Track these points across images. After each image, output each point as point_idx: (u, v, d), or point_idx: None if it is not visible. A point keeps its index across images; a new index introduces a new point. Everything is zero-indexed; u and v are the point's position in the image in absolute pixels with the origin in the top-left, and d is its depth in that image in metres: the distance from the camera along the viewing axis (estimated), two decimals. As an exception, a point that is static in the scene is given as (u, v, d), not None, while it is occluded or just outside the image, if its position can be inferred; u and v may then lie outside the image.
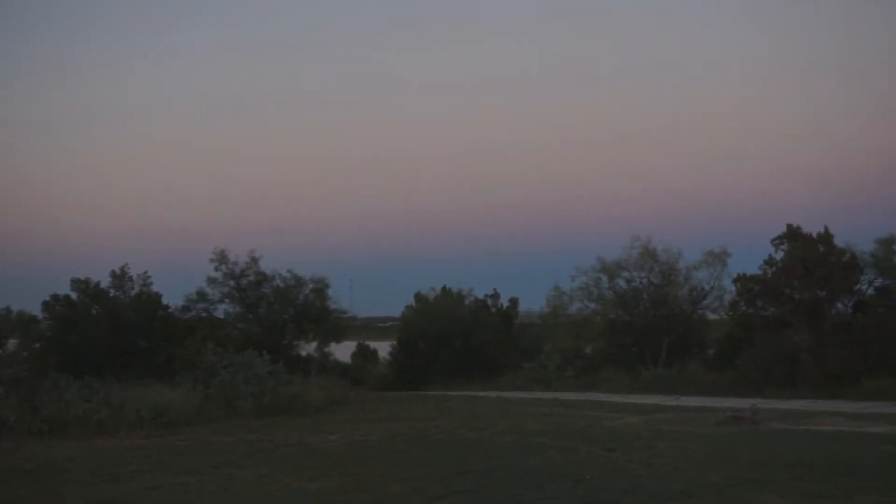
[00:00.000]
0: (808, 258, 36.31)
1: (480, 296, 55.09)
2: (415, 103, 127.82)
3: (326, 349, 52.36)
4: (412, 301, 56.01)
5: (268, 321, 48.47)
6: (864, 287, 37.62)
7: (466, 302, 54.66)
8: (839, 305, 37.43)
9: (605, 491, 13.53)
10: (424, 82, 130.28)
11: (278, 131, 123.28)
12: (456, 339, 50.52)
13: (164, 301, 46.73)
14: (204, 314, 47.88)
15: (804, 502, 12.40)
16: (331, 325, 49.92)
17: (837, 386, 33.26)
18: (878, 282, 37.55)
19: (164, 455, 20.54)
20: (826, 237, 37.14)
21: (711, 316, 47.31)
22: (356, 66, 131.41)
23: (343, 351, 57.42)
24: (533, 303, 55.09)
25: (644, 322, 45.28)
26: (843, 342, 34.36)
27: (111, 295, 45.67)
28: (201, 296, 47.67)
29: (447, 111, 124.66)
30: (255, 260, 48.02)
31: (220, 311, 48.82)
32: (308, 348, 51.18)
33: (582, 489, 13.86)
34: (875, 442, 19.10)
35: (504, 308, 54.93)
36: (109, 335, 43.34)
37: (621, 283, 46.63)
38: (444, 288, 54.78)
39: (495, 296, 55.05)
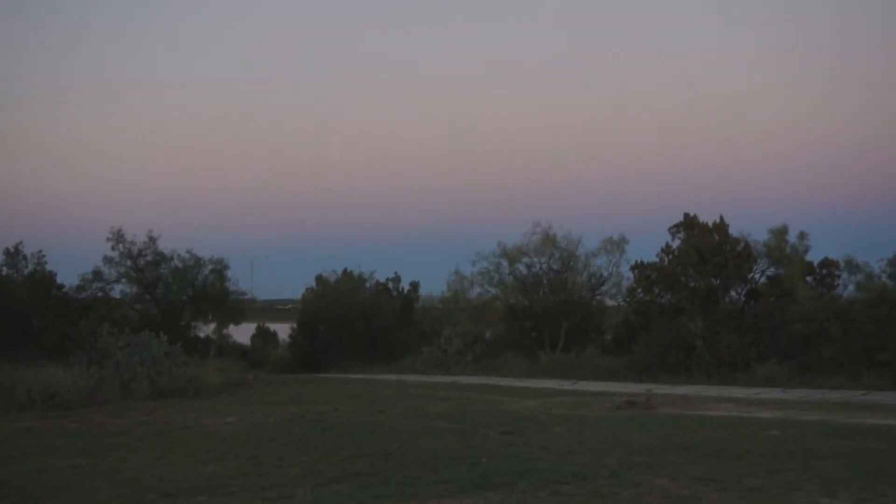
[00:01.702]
0: (704, 247, 37.02)
1: (382, 279, 55.19)
2: (322, 86, 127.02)
3: (225, 331, 51.82)
4: (313, 283, 55.78)
5: (165, 302, 47.79)
6: (758, 276, 38.49)
7: (367, 285, 54.62)
8: (733, 293, 38.22)
9: (500, 473, 13.64)
10: (326, 60, 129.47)
11: (180, 106, 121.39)
12: (356, 322, 50.43)
13: (59, 280, 45.77)
14: (100, 294, 46.93)
15: (694, 485, 12.66)
16: (230, 306, 49.43)
17: (730, 372, 34.05)
18: (771, 271, 38.42)
19: (55, 437, 20.14)
20: (721, 226, 37.89)
21: (609, 302, 48.01)
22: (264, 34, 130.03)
23: (242, 333, 56.89)
24: (434, 287, 55.39)
25: (543, 307, 45.72)
26: (735, 329, 35.14)
27: (3, 273, 44.50)
28: (97, 275, 46.75)
29: (353, 93, 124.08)
30: (153, 240, 47.29)
31: (117, 291, 47.97)
32: (206, 330, 50.63)
33: (478, 472, 13.95)
34: (763, 427, 19.59)
35: (405, 292, 55.04)
36: (1, 314, 42.26)
37: (521, 268, 47.08)
38: (345, 271, 54.71)
39: (396, 279, 55.16)
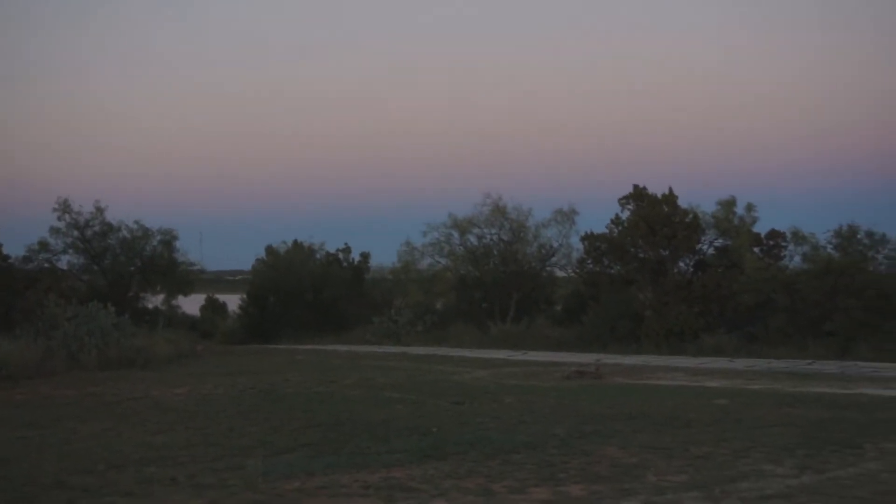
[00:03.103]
0: (653, 218, 37.26)
1: (332, 250, 55.07)
2: (272, 53, 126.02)
3: (174, 302, 51.63)
4: (263, 254, 55.56)
5: (113, 273, 47.41)
6: (706, 247, 38.81)
7: (318, 256, 54.50)
8: (681, 264, 38.53)
9: (451, 443, 13.70)
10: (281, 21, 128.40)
11: (127, 76, 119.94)
12: (307, 293, 50.34)
13: (4, 251, 45.15)
14: (46, 265, 46.48)
15: (643, 453, 12.79)
16: (179, 277, 49.21)
17: (678, 342, 34.41)
18: (719, 242, 38.76)
19: (2, 409, 19.98)
20: (670, 198, 38.12)
21: (559, 273, 48.21)
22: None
23: (191, 304, 56.59)
24: (384, 258, 55.32)
25: (494, 278, 45.87)
26: (684, 300, 35.47)
27: (-54, 244, 43.90)
28: (43, 246, 46.30)
29: (302, 61, 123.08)
30: (100, 210, 46.89)
31: (64, 262, 47.57)
32: (155, 301, 50.43)
33: (429, 441, 14.01)
34: (710, 396, 19.83)
35: (356, 262, 54.94)
36: (-55, 286, 41.72)
37: (472, 239, 47.22)
38: (295, 242, 54.50)
39: (347, 250, 55.03)
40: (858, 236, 35.18)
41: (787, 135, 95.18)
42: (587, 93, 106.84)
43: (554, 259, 46.96)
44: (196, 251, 65.56)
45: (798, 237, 37.51)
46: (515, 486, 10.68)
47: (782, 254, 38.04)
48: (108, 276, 47.27)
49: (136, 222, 48.13)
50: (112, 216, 47.41)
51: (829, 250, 35.66)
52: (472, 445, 13.50)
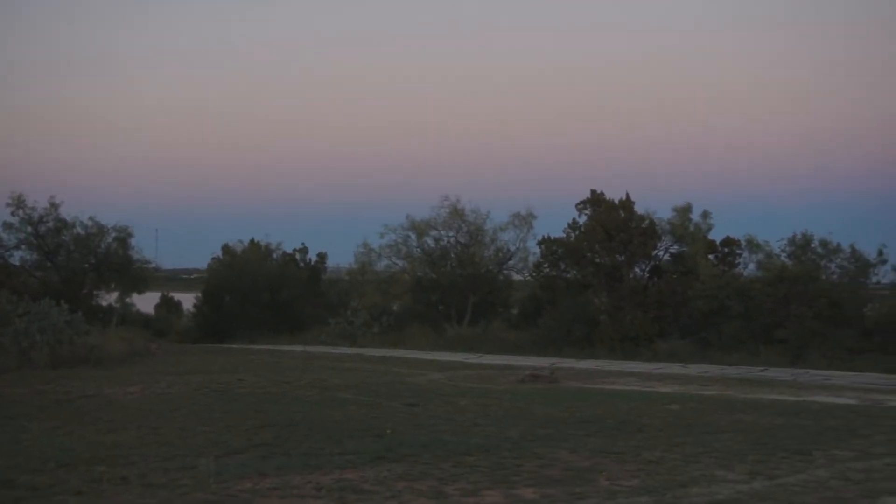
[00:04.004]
0: (610, 223, 37.45)
1: (289, 250, 54.84)
2: (235, 55, 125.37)
3: (128, 300, 51.14)
4: (219, 253, 55.22)
5: (67, 270, 46.90)
6: (661, 253, 39.06)
7: (274, 256, 54.26)
8: (637, 270, 38.74)
9: (405, 445, 13.70)
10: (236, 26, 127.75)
11: (83, 73, 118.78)
12: (263, 292, 50.09)
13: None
14: (-1, 260, 45.95)
15: (595, 457, 12.86)
16: (133, 275, 48.71)
17: (633, 347, 34.60)
18: (675, 248, 39.02)
19: (-50, 406, 19.71)
20: (627, 203, 38.35)
21: (516, 276, 48.30)
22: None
23: (146, 302, 56.18)
24: (341, 259, 55.26)
25: (450, 281, 45.89)
26: (639, 305, 35.68)
27: None
28: (-5, 241, 45.72)
29: (262, 62, 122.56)
30: (54, 206, 46.33)
31: (16, 258, 46.95)
32: (109, 299, 49.95)
33: (382, 443, 13.99)
34: (663, 401, 19.97)
35: (312, 263, 54.76)
36: None
37: (429, 241, 47.18)
38: (252, 241, 54.23)
39: (304, 250, 54.85)
40: (812, 245, 35.56)
41: (742, 143, 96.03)
42: (546, 97, 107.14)
43: (511, 262, 47.08)
44: (151, 249, 65.21)
45: (752, 245, 37.90)
46: (468, 489, 10.70)
47: (737, 261, 38.39)
48: (62, 273, 46.75)
49: (91, 219, 47.63)
50: (67, 212, 46.91)
51: (783, 259, 36.03)
52: (426, 447, 13.51)
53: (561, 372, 26.85)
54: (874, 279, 35.18)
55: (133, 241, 48.63)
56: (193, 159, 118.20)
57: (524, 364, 29.53)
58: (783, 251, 36.13)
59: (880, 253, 34.57)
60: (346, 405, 19.21)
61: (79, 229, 47.21)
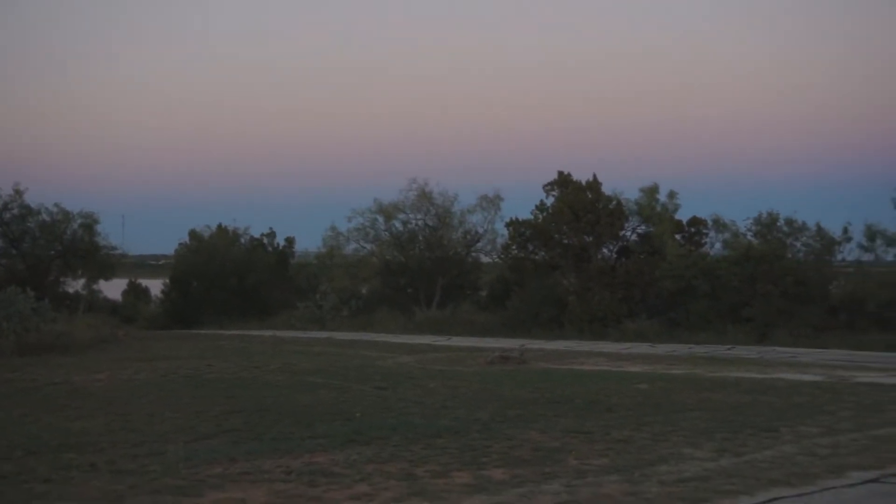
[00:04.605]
0: (577, 204, 37.55)
1: (256, 235, 54.67)
2: (194, 45, 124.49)
3: (95, 286, 50.85)
4: (186, 239, 54.94)
5: (33, 257, 46.53)
6: (629, 233, 39.21)
7: (242, 240, 54.09)
8: (605, 250, 38.90)
9: (375, 428, 13.69)
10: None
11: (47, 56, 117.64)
12: (231, 277, 49.94)
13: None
14: (-37, 249, 45.56)
15: (564, 437, 12.90)
16: (100, 261, 48.37)
17: (601, 327, 34.76)
18: (642, 229, 39.18)
19: (-85, 395, 19.53)
20: (594, 185, 38.47)
21: (484, 259, 48.41)
22: None
23: (113, 289, 55.81)
24: (309, 243, 55.12)
25: (419, 264, 45.89)
26: (607, 286, 35.83)
27: None
28: (-41, 229, 45.31)
29: (224, 43, 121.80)
30: (19, 192, 45.90)
31: (-19, 246, 46.54)
32: (76, 285, 49.66)
33: (352, 426, 13.99)
34: (632, 381, 20.07)
35: (280, 247, 54.63)
36: None
37: (398, 224, 47.17)
38: (219, 226, 54.02)
39: (272, 235, 54.70)
40: (778, 224, 35.81)
41: (709, 123, 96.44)
42: (513, 79, 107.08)
43: (479, 245, 47.17)
44: (118, 235, 64.49)
45: (719, 224, 38.11)
46: (438, 471, 10.71)
47: (703, 241, 38.59)
48: (28, 260, 46.38)
49: (56, 205, 47.24)
50: (31, 199, 46.51)
51: (749, 238, 36.26)
52: (396, 430, 13.51)
53: (530, 353, 26.93)
54: (839, 257, 35.51)
55: (99, 228, 48.35)
56: (160, 145, 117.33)
57: (493, 346, 29.59)
58: (749, 230, 36.39)
59: (845, 231, 34.91)
60: (316, 389, 19.18)
61: (44, 216, 46.85)
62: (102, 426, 14.64)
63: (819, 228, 35.30)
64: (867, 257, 34.73)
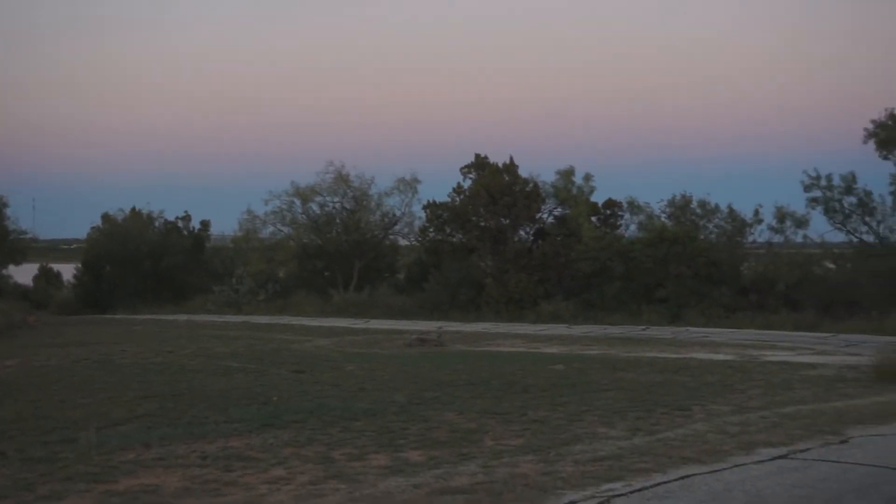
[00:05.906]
0: (494, 187, 37.70)
1: (171, 218, 53.84)
2: (108, 27, 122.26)
3: (5, 271, 49.90)
4: (99, 222, 54.01)
5: (-61, 241, 45.49)
6: (545, 216, 39.49)
7: (156, 224, 53.23)
8: (522, 233, 39.12)
9: (291, 412, 13.63)
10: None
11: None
12: (145, 261, 49.17)
13: None
14: None
15: (481, 418, 12.98)
16: (9, 246, 47.46)
17: (518, 309, 35.02)
18: (558, 211, 39.48)
19: None
20: (511, 167, 38.65)
21: (402, 241, 48.45)
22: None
23: (24, 273, 54.67)
24: (225, 226, 54.54)
25: (336, 246, 45.76)
26: (524, 268, 36.07)
27: None
28: None
29: (143, 27, 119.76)
30: (-76, 175, 44.85)
31: None
32: (-16, 271, 48.56)
33: (268, 410, 13.91)
34: (548, 362, 20.28)
35: (196, 231, 53.88)
36: None
37: (314, 207, 46.96)
38: (133, 209, 53.09)
39: (187, 218, 53.86)
40: (691, 206, 36.37)
41: (624, 105, 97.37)
42: (429, 61, 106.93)
43: (397, 227, 47.15)
44: (28, 219, 63.45)
45: (634, 207, 38.61)
46: (355, 453, 10.70)
47: (619, 223, 39.07)
48: (-66, 245, 45.34)
49: (-36, 188, 46.24)
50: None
51: (663, 219, 36.78)
52: (312, 413, 13.47)
53: (448, 335, 27.05)
54: (750, 238, 36.21)
55: (8, 212, 47.44)
56: (72, 127, 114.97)
57: (411, 328, 29.66)
58: (663, 212, 36.93)
59: (756, 213, 35.61)
60: (232, 373, 19.05)
61: (-49, 199, 45.79)
62: (12, 413, 14.36)
63: (731, 210, 36.01)
64: (777, 239, 35.49)
